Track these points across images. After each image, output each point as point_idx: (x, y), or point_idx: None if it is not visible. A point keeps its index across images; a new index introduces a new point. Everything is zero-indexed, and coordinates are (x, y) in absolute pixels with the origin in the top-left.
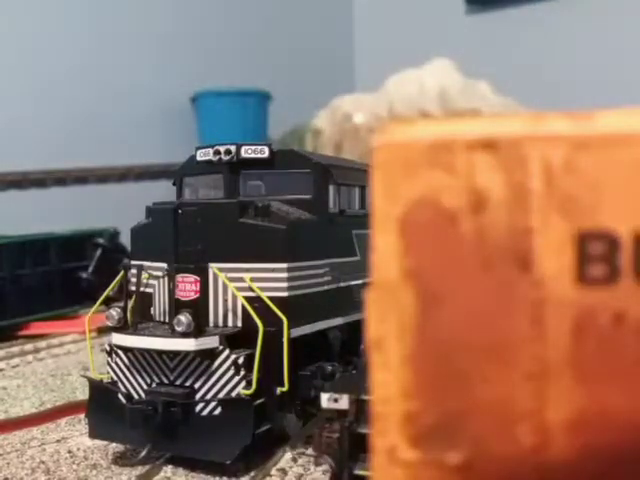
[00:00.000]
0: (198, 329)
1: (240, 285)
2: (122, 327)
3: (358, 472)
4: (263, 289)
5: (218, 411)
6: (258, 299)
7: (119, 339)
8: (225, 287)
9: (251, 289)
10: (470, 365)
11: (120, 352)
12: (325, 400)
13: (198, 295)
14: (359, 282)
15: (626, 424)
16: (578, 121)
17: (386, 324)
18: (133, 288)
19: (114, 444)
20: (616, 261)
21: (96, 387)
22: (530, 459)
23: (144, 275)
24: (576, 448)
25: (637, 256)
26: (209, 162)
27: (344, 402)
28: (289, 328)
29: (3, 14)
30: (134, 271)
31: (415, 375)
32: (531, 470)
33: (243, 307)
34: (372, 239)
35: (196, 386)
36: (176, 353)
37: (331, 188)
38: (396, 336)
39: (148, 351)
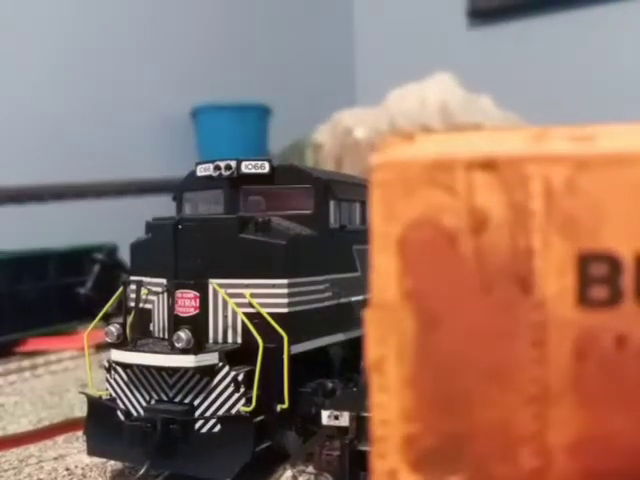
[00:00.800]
0: (198, 345)
1: (240, 301)
2: (121, 343)
3: None
4: (263, 305)
5: (218, 428)
6: (258, 315)
7: (118, 355)
8: (225, 303)
9: (251, 305)
10: (471, 387)
11: (119, 368)
12: (326, 417)
13: (198, 311)
14: (360, 298)
15: (629, 448)
16: (580, 141)
17: (385, 345)
18: (132, 304)
19: (112, 462)
20: (618, 283)
21: (94, 404)
22: None
23: (143, 291)
24: (578, 472)
25: None
26: (209, 177)
27: (345, 419)
28: (289, 344)
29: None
30: (133, 287)
31: (415, 397)
32: None
33: (243, 323)
34: (371, 259)
35: (195, 403)
36: (175, 370)
37: (332, 203)
38: (395, 358)
39: (147, 367)
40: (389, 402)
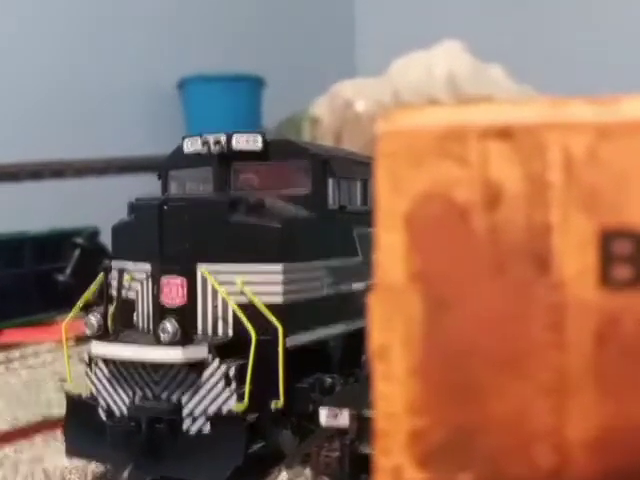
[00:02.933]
0: (185, 338)
1: (231, 289)
2: (102, 335)
3: None
4: (256, 293)
5: (207, 428)
6: (251, 305)
7: (99, 348)
8: (215, 291)
9: (243, 293)
10: (483, 377)
11: (100, 363)
12: (324, 416)
13: (185, 300)
14: (362, 285)
15: None
16: (602, 106)
17: (391, 332)
18: (114, 292)
19: (93, 464)
20: None
21: (74, 402)
22: None
23: (126, 278)
24: (599, 470)
25: None
26: (197, 154)
27: (344, 418)
28: (285, 337)
29: None
30: (115, 273)
31: (422, 388)
32: None
33: (234, 313)
34: (376, 238)
35: (183, 401)
36: (161, 364)
37: (330, 182)
38: (402, 345)
39: (131, 362)
40: (394, 393)
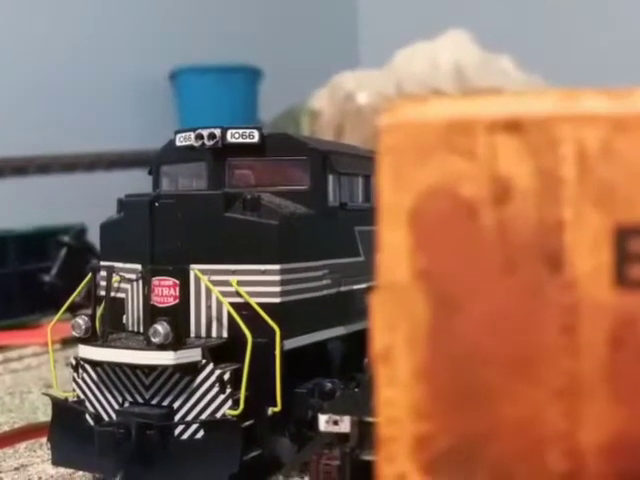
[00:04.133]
0: (177, 340)
1: (226, 289)
2: (90, 338)
3: None
4: (252, 294)
5: (201, 434)
6: (246, 305)
7: (87, 352)
8: (208, 292)
9: (238, 294)
10: (492, 380)
11: (88, 367)
12: (323, 422)
13: (177, 301)
14: (363, 286)
15: None
16: (617, 98)
17: (394, 333)
18: (102, 293)
19: (80, 472)
20: None
21: (60, 407)
22: None
23: (115, 278)
24: (613, 475)
25: None
26: (190, 148)
27: (345, 425)
28: (282, 339)
29: None
30: (104, 273)
31: (428, 392)
32: None
33: (229, 315)
34: (378, 235)
35: (175, 406)
36: (152, 368)
37: (331, 178)
38: (406, 347)
39: (120, 365)
40: (398, 397)
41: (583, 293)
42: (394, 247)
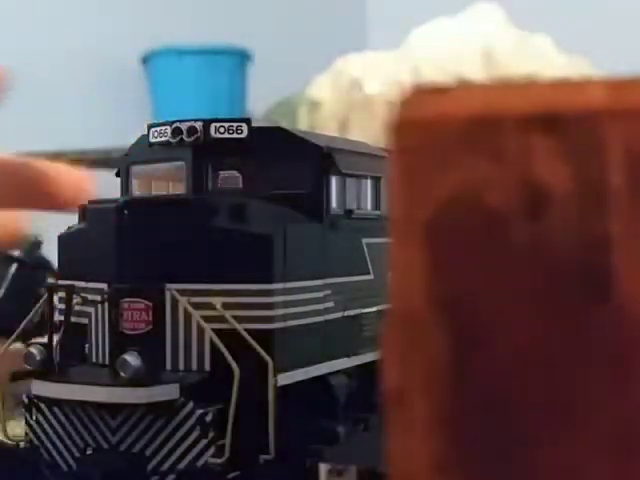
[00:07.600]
0: (150, 375)
1: (208, 314)
2: (46, 372)
3: None
4: (240, 319)
5: None
6: (233, 333)
7: (42, 388)
8: (188, 316)
9: (224, 319)
10: (525, 428)
11: (43, 406)
12: (325, 472)
13: (150, 327)
14: (373, 309)
15: None
16: None
17: (410, 371)
18: (61, 318)
19: None
20: None
21: (8, 454)
22: None
23: (76, 300)
24: None
25: None
26: (166, 144)
27: (351, 476)
28: (276, 373)
29: None
30: (62, 294)
31: (449, 441)
32: None
33: (212, 344)
34: (390, 252)
35: (148, 453)
36: (120, 407)
37: (333, 180)
38: (423, 387)
39: (82, 404)
40: (414, 447)
41: (636, 322)
42: (407, 267)
